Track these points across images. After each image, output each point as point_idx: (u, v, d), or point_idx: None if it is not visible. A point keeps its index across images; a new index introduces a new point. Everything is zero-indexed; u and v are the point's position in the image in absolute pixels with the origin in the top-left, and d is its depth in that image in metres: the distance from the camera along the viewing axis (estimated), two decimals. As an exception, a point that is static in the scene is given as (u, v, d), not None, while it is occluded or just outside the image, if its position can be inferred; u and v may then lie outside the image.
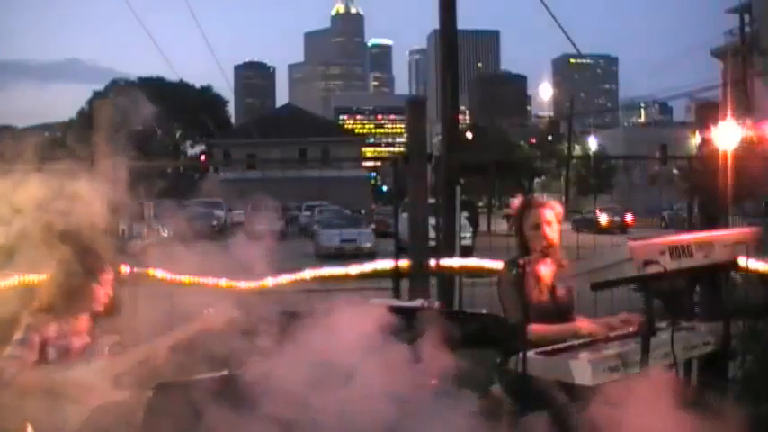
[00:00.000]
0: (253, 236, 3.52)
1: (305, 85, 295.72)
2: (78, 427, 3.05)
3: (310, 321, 3.05)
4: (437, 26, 7.21)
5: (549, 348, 3.09)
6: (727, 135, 4.47)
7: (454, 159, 6.44)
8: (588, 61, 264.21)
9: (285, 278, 4.96)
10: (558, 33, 8.55)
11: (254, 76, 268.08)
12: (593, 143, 59.21)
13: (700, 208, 4.78)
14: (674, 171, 39.39)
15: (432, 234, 5.24)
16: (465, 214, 16.90)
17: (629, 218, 33.91)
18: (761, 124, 4.82)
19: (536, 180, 55.59)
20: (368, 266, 4.99)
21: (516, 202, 3.86)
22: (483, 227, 27.22)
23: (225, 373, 3.13)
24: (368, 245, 22.97)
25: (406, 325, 3.08)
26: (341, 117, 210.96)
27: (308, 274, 5.01)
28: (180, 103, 66.42)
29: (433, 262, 4.87)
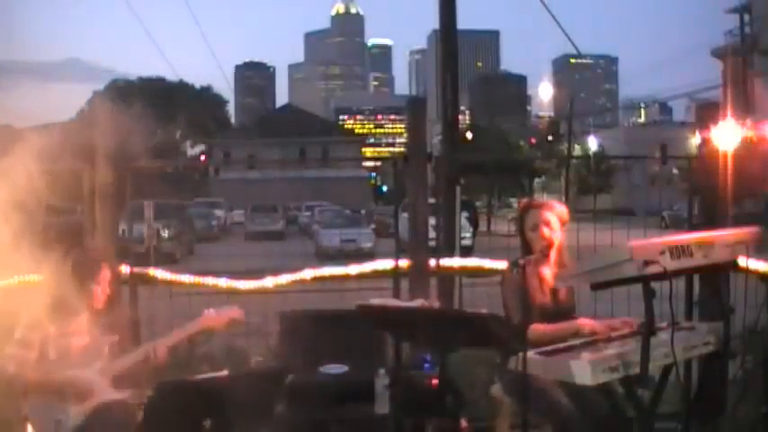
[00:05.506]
0: None
1: (305, 85, 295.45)
2: (78, 426, 3.06)
3: None
4: (437, 26, 7.22)
5: (549, 348, 3.09)
6: (728, 135, 4.46)
7: (454, 159, 6.44)
8: (588, 61, 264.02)
9: (285, 278, 4.96)
10: (558, 33, 8.57)
11: (254, 76, 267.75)
12: (593, 143, 59.15)
13: (700, 208, 4.78)
14: (674, 171, 39.36)
15: (432, 234, 5.23)
16: (465, 214, 16.92)
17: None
18: (760, 124, 4.80)
19: (536, 180, 55.53)
20: (368, 266, 4.99)
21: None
22: (483, 227, 27.21)
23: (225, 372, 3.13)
24: (368, 245, 22.97)
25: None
26: (341, 117, 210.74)
27: (308, 274, 5.01)
28: (180, 103, 66.37)
29: (433, 262, 4.87)
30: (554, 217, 3.62)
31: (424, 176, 4.92)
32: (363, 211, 37.26)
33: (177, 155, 66.41)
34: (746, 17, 36.56)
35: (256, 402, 2.97)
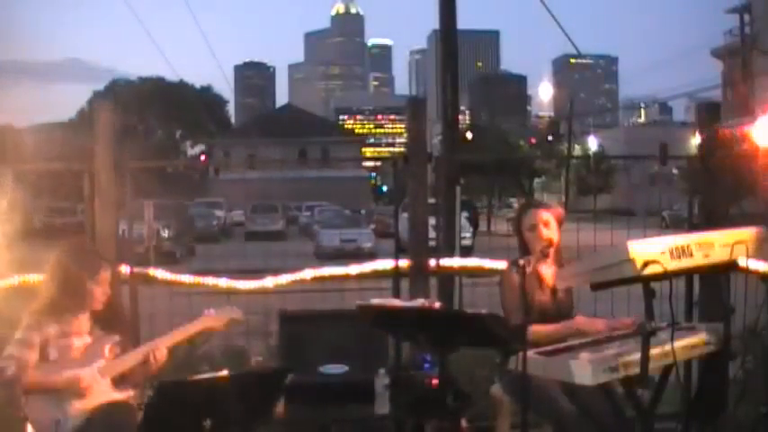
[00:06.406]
0: None
1: (305, 85, 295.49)
2: (78, 426, 3.06)
3: None
4: (437, 26, 7.22)
5: (549, 348, 3.09)
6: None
7: (454, 159, 6.45)
8: (588, 61, 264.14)
9: (285, 278, 4.96)
10: (558, 33, 8.56)
11: (254, 76, 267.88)
12: (593, 143, 59.18)
13: (700, 208, 4.78)
14: (674, 171, 39.36)
15: (432, 234, 5.23)
16: (465, 214, 16.92)
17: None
18: (747, 125, 4.80)
19: (536, 180, 55.53)
20: (368, 266, 4.98)
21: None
22: (483, 227, 27.22)
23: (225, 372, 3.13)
24: (368, 245, 22.99)
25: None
26: (341, 117, 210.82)
27: (308, 274, 5.00)
28: (180, 103, 66.37)
29: (433, 262, 4.87)
30: (551, 217, 3.64)
31: (424, 176, 4.91)
32: (363, 211, 37.28)
33: (177, 155, 66.39)
34: (746, 17, 36.60)
35: (256, 402, 2.97)
